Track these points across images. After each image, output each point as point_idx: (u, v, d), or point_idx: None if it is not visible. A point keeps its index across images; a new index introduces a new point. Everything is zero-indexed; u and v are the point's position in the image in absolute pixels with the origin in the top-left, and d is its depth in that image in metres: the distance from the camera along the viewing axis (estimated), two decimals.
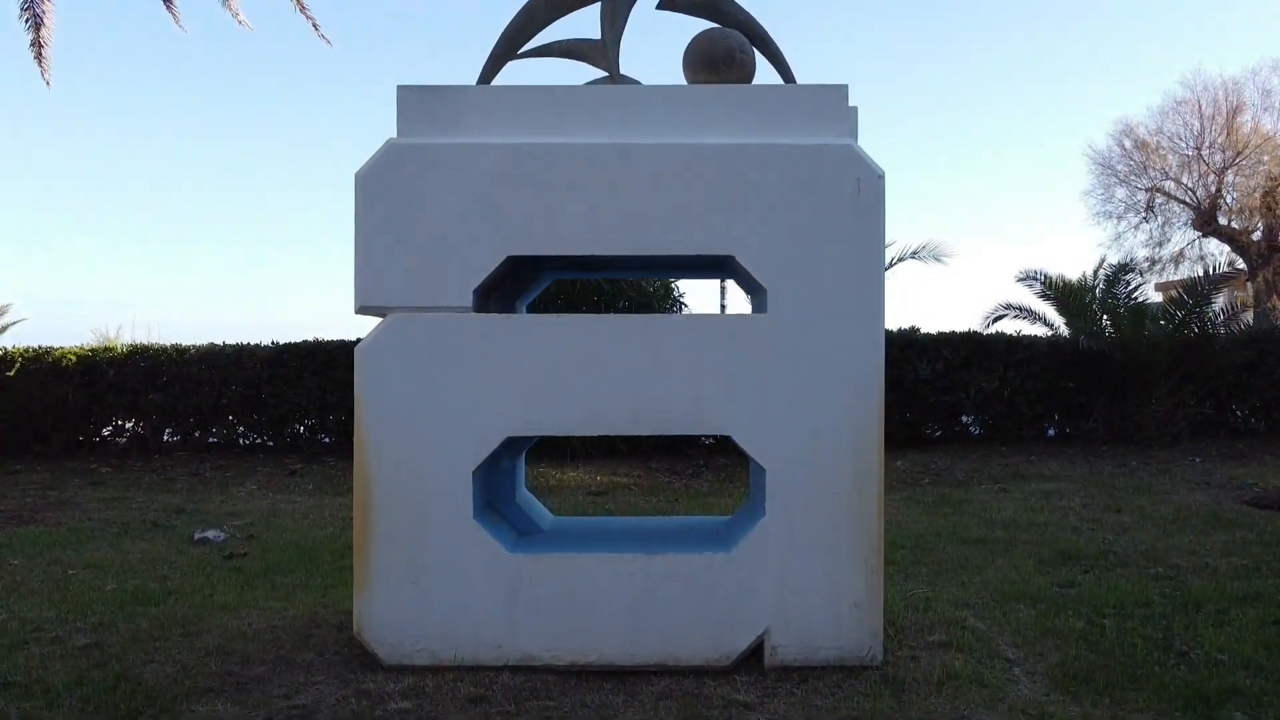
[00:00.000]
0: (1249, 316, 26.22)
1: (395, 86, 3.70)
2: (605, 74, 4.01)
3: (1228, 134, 26.42)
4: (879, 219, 3.60)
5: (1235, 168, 26.51)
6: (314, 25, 10.70)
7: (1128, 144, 28.01)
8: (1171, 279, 29.21)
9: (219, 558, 5.61)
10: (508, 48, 4.01)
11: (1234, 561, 5.16)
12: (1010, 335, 10.71)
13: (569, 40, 4.12)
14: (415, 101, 3.70)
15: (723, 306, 12.52)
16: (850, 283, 3.58)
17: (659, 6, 4.06)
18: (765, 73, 4.25)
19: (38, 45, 10.55)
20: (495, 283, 3.83)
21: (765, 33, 4.07)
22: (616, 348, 3.60)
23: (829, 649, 3.56)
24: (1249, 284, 27.05)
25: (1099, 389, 10.65)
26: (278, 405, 10.12)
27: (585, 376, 3.59)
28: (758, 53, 4.05)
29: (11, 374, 10.18)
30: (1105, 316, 11.10)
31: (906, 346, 10.10)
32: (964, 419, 10.77)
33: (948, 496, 7.50)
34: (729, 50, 3.93)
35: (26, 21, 10.49)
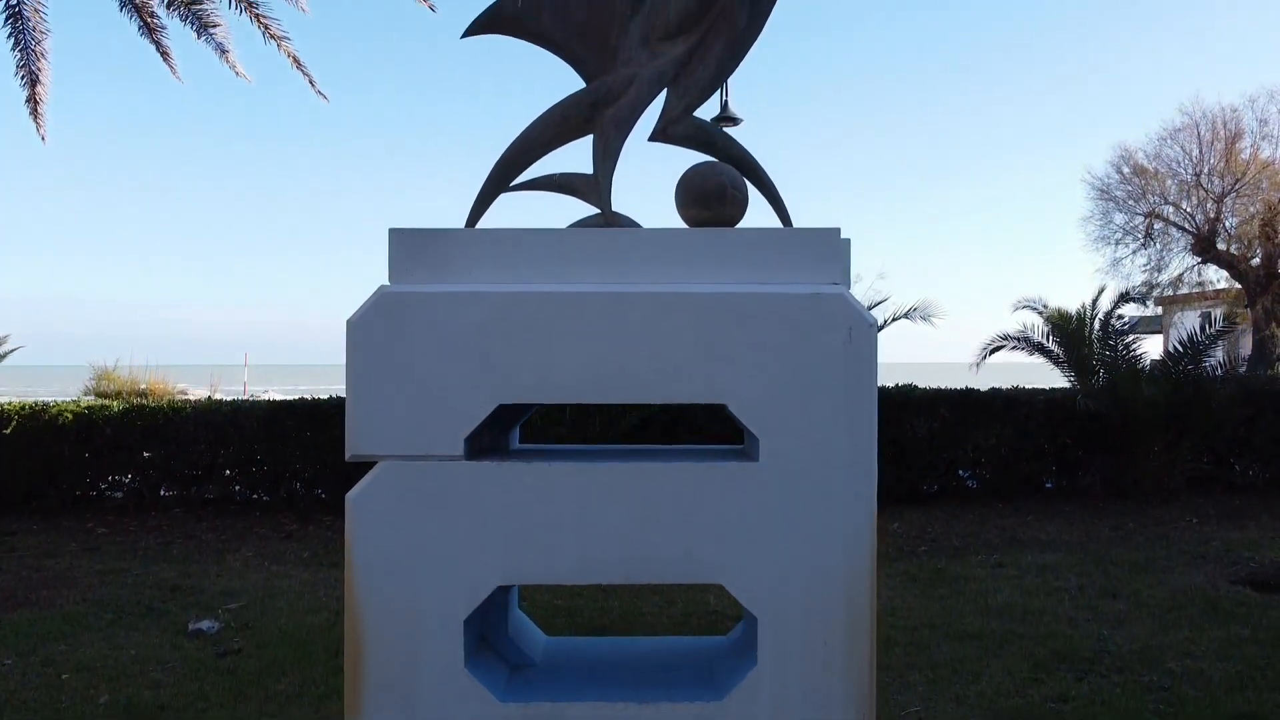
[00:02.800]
0: (1247, 342, 26.35)
1: (387, 229, 3.72)
2: (598, 210, 4.00)
3: (1226, 161, 26.46)
4: (871, 366, 3.60)
5: (1235, 193, 26.54)
6: (310, 81, 10.74)
7: (1126, 170, 28.09)
8: (1176, 294, 29.33)
9: (212, 655, 5.59)
10: (499, 181, 4.00)
11: (1229, 668, 5.15)
12: (1007, 392, 10.73)
13: (561, 174, 4.12)
14: (406, 244, 3.70)
15: None
16: (842, 431, 3.58)
17: (651, 138, 4.06)
18: (756, 201, 4.25)
19: (33, 102, 10.58)
20: (489, 422, 3.82)
21: (758, 164, 4.07)
22: (608, 496, 3.59)
23: None
24: (1248, 310, 27.09)
25: (1096, 444, 10.65)
26: (274, 464, 10.13)
27: (576, 525, 3.58)
28: (750, 184, 4.06)
29: (8, 431, 10.18)
30: (1101, 369, 11.12)
31: (904, 405, 10.10)
32: (961, 473, 10.77)
33: (944, 572, 7.48)
34: (720, 186, 3.92)
35: (22, 79, 10.50)
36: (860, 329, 3.58)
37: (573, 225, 3.98)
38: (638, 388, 3.60)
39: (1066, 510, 10.10)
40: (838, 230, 3.70)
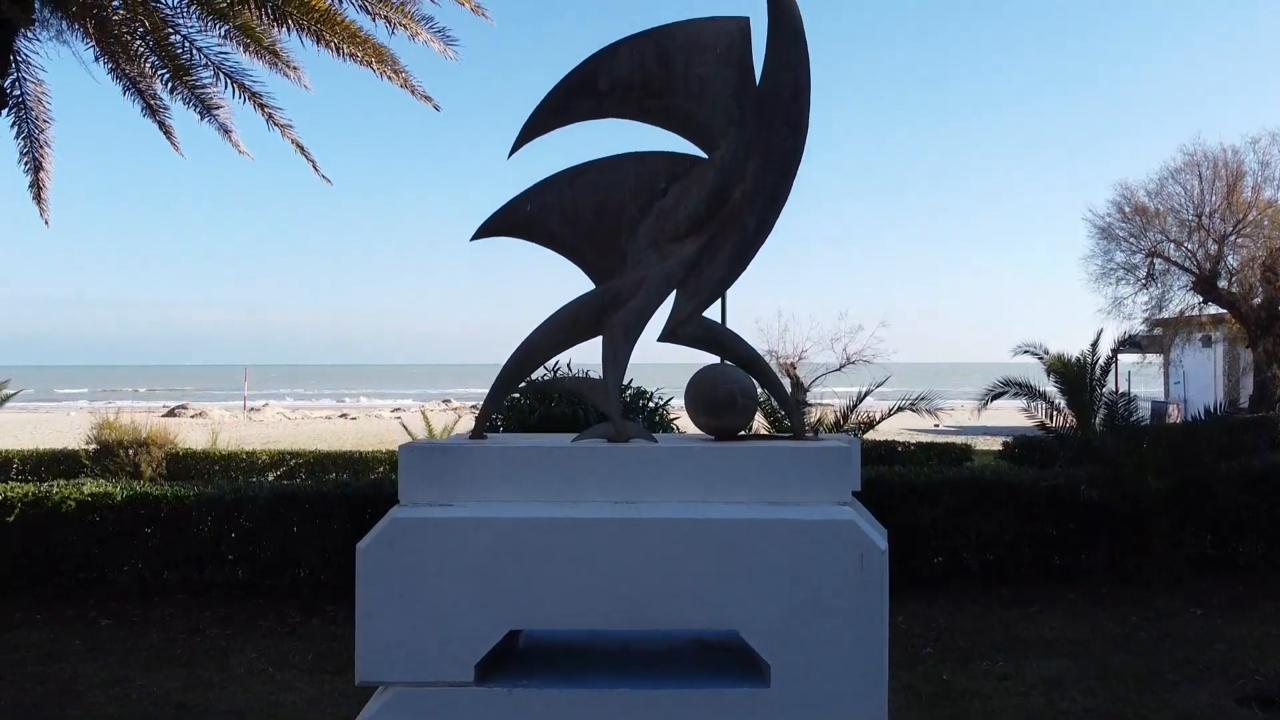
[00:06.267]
0: (1249, 383, 26.39)
1: (398, 448, 3.72)
2: (607, 418, 4.00)
3: (1228, 202, 26.49)
4: (882, 591, 3.60)
5: (1236, 234, 26.57)
6: (314, 166, 10.78)
7: (1128, 209, 28.10)
8: (1180, 316, 29.28)
9: None
10: (506, 386, 4.02)
11: None
12: (1011, 481, 10.72)
13: (570, 378, 4.14)
14: (416, 462, 3.71)
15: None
16: (854, 657, 3.58)
17: (660, 339, 4.05)
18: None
19: (37, 187, 10.63)
20: None
21: (767, 366, 4.08)
22: None
23: None
24: (1250, 350, 27.11)
25: (1099, 528, 10.65)
26: (276, 550, 10.13)
27: None
28: (759, 385, 4.07)
29: (11, 519, 10.18)
30: (1098, 433, 11.17)
31: (907, 493, 10.11)
32: (965, 556, 10.77)
33: (948, 687, 7.47)
34: (730, 395, 3.94)
35: (25, 165, 10.54)
36: (871, 555, 3.58)
37: (582, 435, 3.98)
38: (647, 615, 3.59)
39: (1070, 598, 10.09)
40: (847, 448, 3.71)
